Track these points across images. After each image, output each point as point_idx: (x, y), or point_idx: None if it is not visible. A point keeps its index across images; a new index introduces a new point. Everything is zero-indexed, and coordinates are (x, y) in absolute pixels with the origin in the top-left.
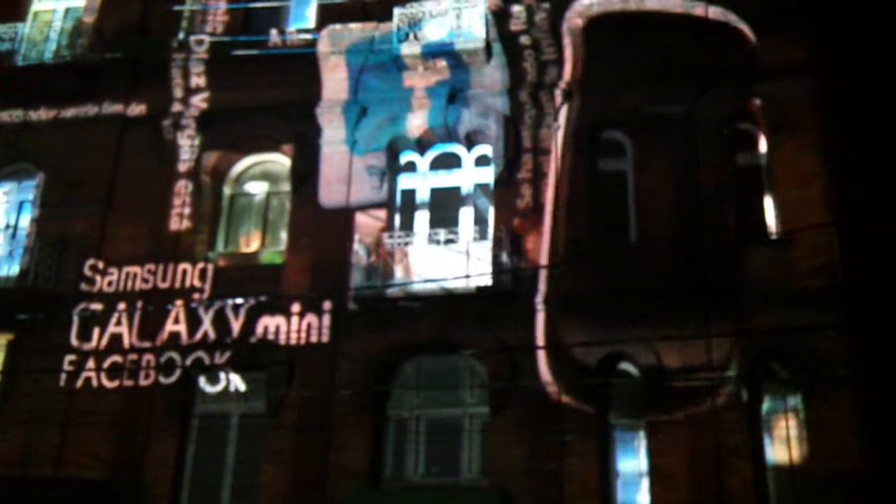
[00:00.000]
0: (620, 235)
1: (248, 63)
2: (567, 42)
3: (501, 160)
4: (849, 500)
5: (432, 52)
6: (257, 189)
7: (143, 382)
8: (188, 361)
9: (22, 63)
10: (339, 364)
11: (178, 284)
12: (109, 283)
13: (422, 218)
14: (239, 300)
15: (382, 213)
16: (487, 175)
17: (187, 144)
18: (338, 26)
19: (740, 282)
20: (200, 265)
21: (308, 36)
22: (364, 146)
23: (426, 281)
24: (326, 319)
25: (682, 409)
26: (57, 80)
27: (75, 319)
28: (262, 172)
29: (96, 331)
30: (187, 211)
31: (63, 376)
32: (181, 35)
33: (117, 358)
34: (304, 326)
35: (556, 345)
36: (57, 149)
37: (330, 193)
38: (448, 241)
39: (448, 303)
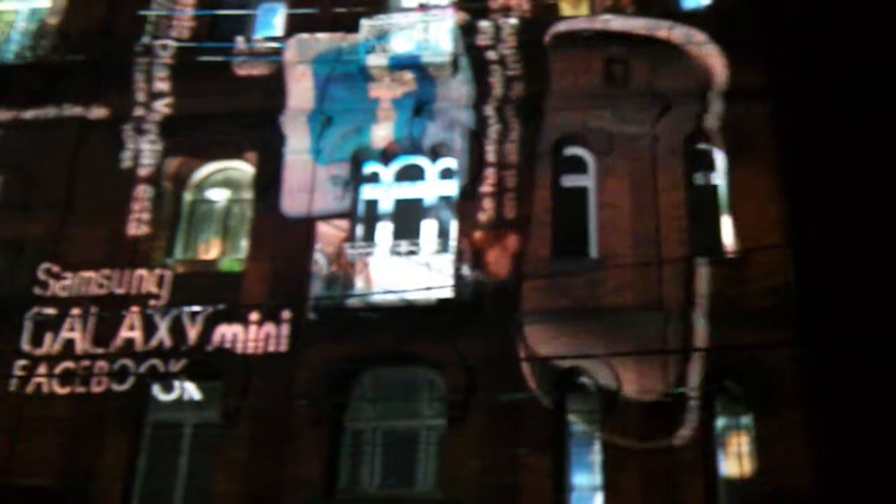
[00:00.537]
0: (580, 251)
1: (213, 69)
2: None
3: (465, 173)
4: None
5: (399, 64)
6: (219, 196)
7: (95, 389)
8: (142, 369)
9: None
10: (296, 374)
11: (134, 290)
12: (64, 288)
13: (384, 229)
14: (196, 308)
15: (345, 224)
16: (451, 188)
17: (149, 149)
18: (305, 35)
19: (696, 299)
20: (158, 271)
21: (275, 44)
22: (328, 156)
23: (387, 292)
24: (285, 329)
25: (638, 425)
26: (18, 81)
27: (28, 324)
28: (224, 179)
29: (49, 336)
30: (146, 216)
31: (13, 381)
32: (146, 39)
33: (70, 364)
34: (262, 335)
35: (513, 359)
36: (15, 150)
37: (292, 202)
38: (410, 253)
39: (408, 315)
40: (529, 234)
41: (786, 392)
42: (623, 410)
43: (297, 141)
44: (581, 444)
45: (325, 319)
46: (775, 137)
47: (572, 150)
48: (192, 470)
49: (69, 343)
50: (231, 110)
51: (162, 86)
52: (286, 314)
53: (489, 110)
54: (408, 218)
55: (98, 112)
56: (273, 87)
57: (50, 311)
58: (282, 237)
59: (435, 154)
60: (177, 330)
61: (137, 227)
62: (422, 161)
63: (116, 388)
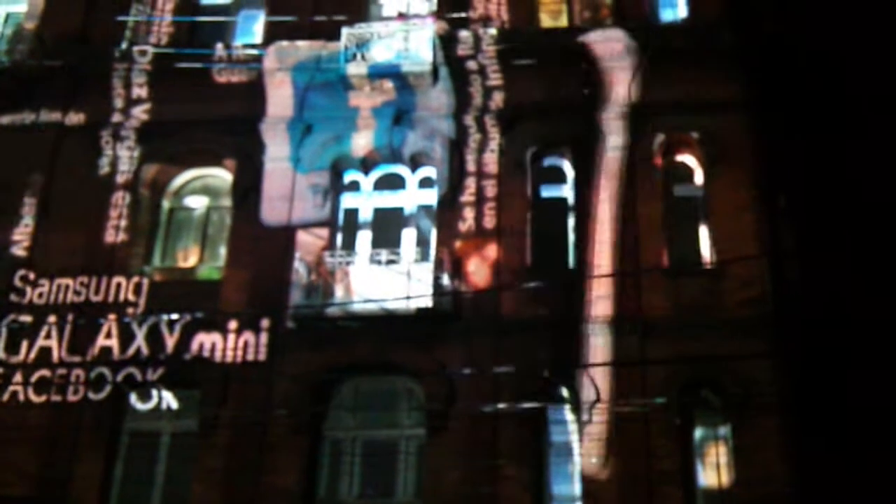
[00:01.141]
0: (559, 261)
1: (192, 76)
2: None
3: (445, 183)
4: None
5: (379, 73)
6: (197, 203)
7: (71, 398)
8: (119, 377)
9: None
10: (275, 383)
11: (111, 298)
12: (40, 295)
13: (364, 238)
14: (174, 316)
15: (324, 232)
16: (431, 197)
17: (126, 156)
18: (285, 43)
19: (674, 310)
20: (135, 279)
21: (254, 51)
22: (308, 164)
23: (366, 301)
24: (264, 337)
25: (614, 435)
26: None
27: (3, 331)
28: (202, 187)
29: (24, 343)
30: (124, 223)
31: None
32: (124, 45)
33: (45, 372)
34: (240, 344)
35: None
36: None
37: (272, 210)
38: (389, 262)
39: (387, 323)
40: (509, 244)
41: (763, 402)
42: (601, 420)
43: (276, 149)
44: (560, 455)
45: (305, 328)
46: (752, 149)
47: (551, 161)
48: (170, 479)
49: (45, 351)
50: (210, 117)
51: (140, 92)
52: (265, 323)
53: (469, 120)
54: (387, 227)
55: (75, 118)
56: (252, 95)
57: (26, 318)
58: (261, 245)
59: (415, 163)
60: (154, 338)
61: (115, 234)
62: (401, 170)
63: (93, 396)
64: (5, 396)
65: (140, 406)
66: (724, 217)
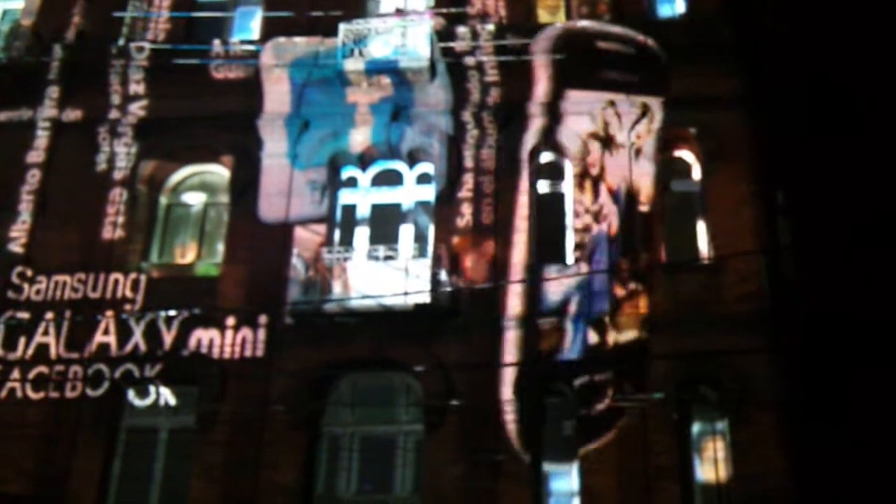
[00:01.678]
0: (558, 257)
1: (189, 72)
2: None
3: (443, 179)
4: None
5: (376, 69)
6: (195, 200)
7: (69, 394)
8: (117, 374)
9: None
10: (273, 379)
11: (109, 295)
12: (38, 292)
13: (362, 234)
14: (172, 312)
15: (322, 228)
16: (429, 193)
17: (123, 152)
18: (282, 39)
19: (672, 305)
20: (133, 275)
21: (251, 47)
22: (306, 160)
23: (364, 297)
24: (262, 333)
25: (613, 431)
26: None
27: (1, 328)
28: (200, 183)
29: (22, 340)
30: (121, 220)
31: None
32: (121, 41)
33: (43, 369)
34: (238, 340)
35: (490, 364)
36: None
37: (269, 207)
38: (387, 258)
39: (385, 319)
40: (507, 240)
41: (761, 398)
42: (600, 416)
43: (273, 145)
44: (559, 450)
45: (302, 324)
46: (750, 144)
47: (549, 156)
48: (168, 475)
49: (43, 348)
50: (207, 113)
51: (137, 88)
52: (263, 319)
53: (467, 115)
54: (385, 223)
55: (72, 114)
56: (250, 91)
57: (23, 315)
58: (258, 241)
59: (412, 159)
60: (152, 335)
61: (112, 230)
62: (399, 166)
63: (91, 393)
64: (3, 393)
65: (138, 402)
66: (722, 213)
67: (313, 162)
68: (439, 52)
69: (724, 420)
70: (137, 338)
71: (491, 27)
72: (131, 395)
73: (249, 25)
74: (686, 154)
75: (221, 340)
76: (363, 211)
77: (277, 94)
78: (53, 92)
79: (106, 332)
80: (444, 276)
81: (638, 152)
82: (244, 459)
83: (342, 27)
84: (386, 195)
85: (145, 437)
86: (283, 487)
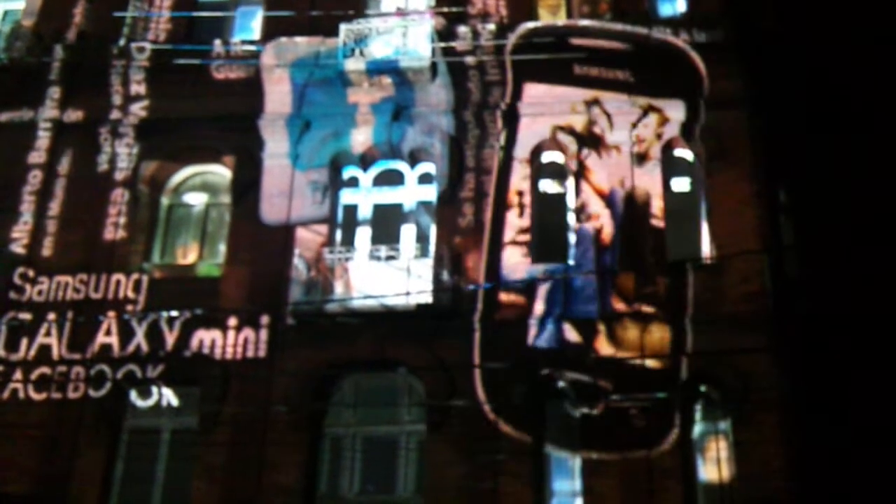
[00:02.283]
0: (559, 256)
1: (190, 72)
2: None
3: (444, 178)
4: None
5: (377, 69)
6: (196, 200)
7: (71, 395)
8: (119, 374)
9: None
10: (275, 380)
11: (111, 295)
12: (39, 293)
13: (363, 234)
14: (174, 313)
15: (323, 228)
16: (430, 193)
17: (125, 153)
18: (283, 39)
19: (674, 305)
20: (135, 276)
21: (252, 47)
22: (307, 160)
23: (366, 297)
24: (264, 334)
25: (616, 430)
26: None
27: (3, 329)
28: (201, 183)
29: (24, 341)
30: (123, 220)
31: None
32: (122, 42)
33: (46, 369)
34: (240, 341)
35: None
36: None
37: (271, 207)
38: (389, 258)
39: (387, 320)
40: (508, 240)
41: (763, 397)
42: (602, 415)
43: (275, 145)
44: (561, 450)
45: (304, 325)
46: (752, 143)
47: (550, 156)
48: (170, 476)
49: (45, 348)
50: (209, 114)
51: (138, 89)
52: (265, 319)
53: (468, 115)
54: (387, 223)
55: (74, 115)
56: (251, 91)
57: (25, 315)
58: (260, 242)
59: (414, 159)
60: (154, 335)
61: (114, 231)
62: (401, 166)
63: (93, 393)
64: (5, 394)
65: (140, 403)
66: (724, 212)
67: (315, 162)
68: (440, 51)
69: (726, 420)
70: (139, 338)
71: (492, 27)
72: (133, 395)
73: (250, 25)
74: (688, 153)
75: (223, 341)
76: (365, 211)
77: (278, 95)
78: (55, 92)
79: (108, 332)
80: (445, 276)
81: (642, 157)
82: (246, 460)
83: (343, 27)
84: (387, 195)
85: (147, 438)
86: (286, 488)
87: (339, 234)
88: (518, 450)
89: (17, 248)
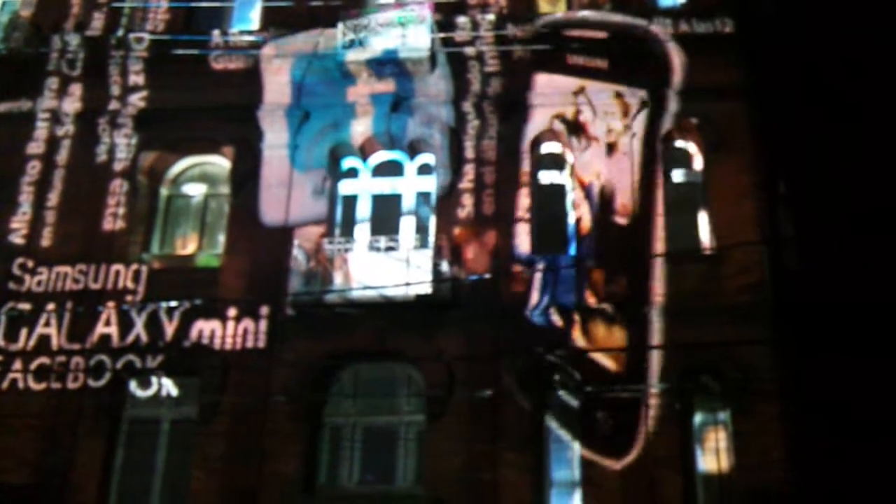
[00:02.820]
0: (559, 248)
1: (188, 63)
2: None
3: (444, 169)
4: None
5: (377, 60)
6: (195, 191)
7: (71, 385)
8: (119, 365)
9: None
10: (274, 370)
11: (110, 286)
12: (39, 283)
13: (363, 224)
14: (173, 303)
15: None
16: (430, 184)
17: (124, 143)
18: (282, 30)
19: (674, 296)
20: (134, 266)
21: (251, 38)
22: (306, 151)
23: (365, 288)
24: (263, 324)
25: (615, 420)
26: None
27: (2, 319)
28: (200, 174)
29: (24, 331)
30: (122, 211)
31: None
32: (120, 32)
33: (45, 360)
34: (240, 331)
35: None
36: None
37: (270, 198)
38: (388, 249)
39: (387, 310)
40: (508, 231)
41: (762, 388)
42: (601, 406)
43: (274, 136)
44: (560, 440)
45: (304, 315)
46: (752, 134)
47: (550, 147)
48: (170, 466)
49: (44, 339)
50: (207, 104)
51: (137, 79)
52: (264, 310)
53: (467, 106)
54: (386, 213)
55: (72, 106)
56: (250, 82)
57: (25, 306)
58: (259, 232)
59: (413, 150)
60: (154, 326)
61: (113, 221)
62: (400, 157)
63: (93, 384)
64: (5, 384)
65: (140, 393)
66: (724, 203)
67: (314, 153)
68: (439, 42)
69: (725, 410)
70: (139, 329)
71: (491, 17)
72: (133, 386)
73: (249, 16)
74: (688, 144)
75: (223, 331)
76: (364, 202)
77: (277, 85)
78: (53, 83)
79: (107, 323)
80: (445, 266)
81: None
82: (246, 450)
83: (342, 18)
84: (387, 186)
85: (147, 428)
86: (285, 478)
87: (338, 225)
88: (517, 440)
89: (16, 239)
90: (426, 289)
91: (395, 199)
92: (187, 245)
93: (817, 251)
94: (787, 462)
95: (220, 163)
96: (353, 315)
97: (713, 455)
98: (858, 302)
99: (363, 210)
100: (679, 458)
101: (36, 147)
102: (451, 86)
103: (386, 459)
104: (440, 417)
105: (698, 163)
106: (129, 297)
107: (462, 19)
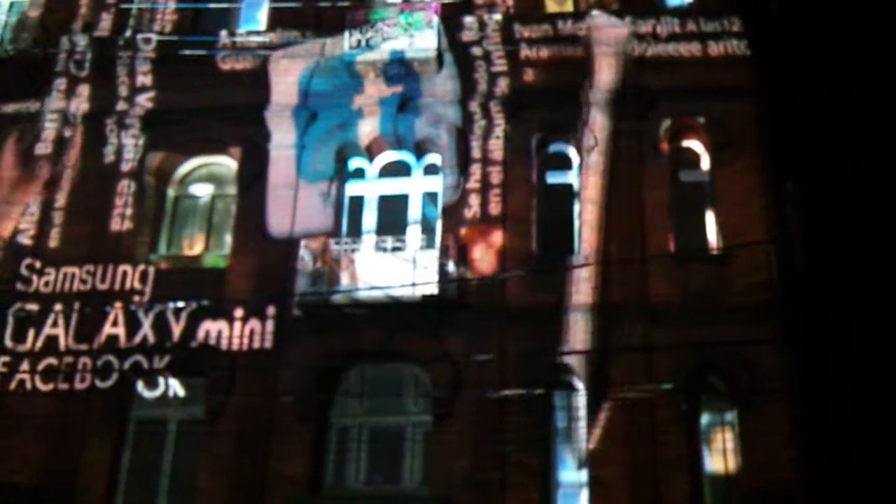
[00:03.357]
0: (566, 248)
1: (196, 64)
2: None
3: (451, 169)
4: None
5: (384, 60)
6: (202, 191)
7: (78, 386)
8: (126, 365)
9: None
10: (281, 370)
11: (117, 286)
12: (46, 284)
13: (369, 225)
14: (180, 304)
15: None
16: (436, 184)
17: (131, 144)
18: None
19: (681, 296)
20: (141, 267)
21: (258, 38)
22: (313, 152)
23: (372, 288)
24: (270, 325)
25: (621, 421)
26: None
27: (10, 320)
28: (207, 174)
29: (31, 332)
30: (129, 212)
31: None
32: (128, 33)
33: (53, 360)
34: (246, 332)
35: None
36: None
37: (277, 199)
38: (395, 249)
39: (393, 311)
40: (515, 231)
41: (770, 388)
42: (608, 407)
43: (281, 136)
44: (567, 441)
45: (311, 316)
46: (759, 134)
47: (557, 147)
48: (177, 466)
49: (52, 339)
50: (215, 105)
51: (144, 80)
52: (271, 310)
53: (474, 106)
54: (393, 214)
55: (80, 106)
56: (257, 82)
57: (32, 307)
58: (266, 233)
59: (420, 150)
60: (161, 326)
61: (120, 222)
62: (407, 157)
63: (100, 384)
64: (12, 385)
65: (147, 394)
66: (731, 203)
67: (321, 154)
68: (446, 42)
69: (732, 410)
70: (146, 329)
71: (498, 17)
72: (140, 386)
73: (256, 16)
74: (695, 144)
75: (230, 332)
76: (371, 202)
77: (285, 86)
78: (61, 84)
79: (115, 323)
80: (451, 267)
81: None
82: (253, 451)
83: (349, 17)
84: (394, 186)
85: (154, 429)
86: (292, 478)
87: (345, 225)
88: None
89: (24, 240)
90: (433, 289)
91: (401, 200)
92: (194, 246)
93: (825, 251)
94: (794, 462)
95: (227, 163)
96: (359, 315)
97: (720, 455)
98: (866, 301)
99: (370, 210)
100: (686, 458)
101: (44, 147)
102: (457, 86)
103: (393, 460)
104: (447, 418)
105: (705, 162)
106: (136, 298)
107: (469, 19)
